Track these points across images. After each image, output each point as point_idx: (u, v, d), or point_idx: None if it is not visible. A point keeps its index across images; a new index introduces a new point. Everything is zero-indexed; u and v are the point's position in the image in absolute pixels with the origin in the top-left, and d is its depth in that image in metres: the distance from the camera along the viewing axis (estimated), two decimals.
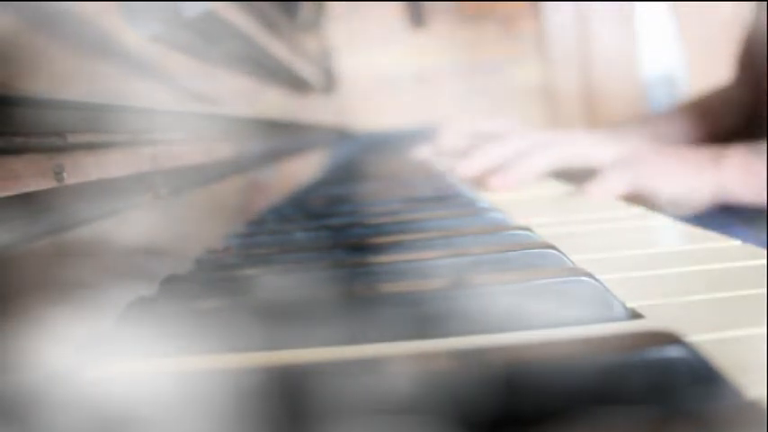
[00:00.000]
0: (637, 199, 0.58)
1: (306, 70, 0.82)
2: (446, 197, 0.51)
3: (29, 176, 0.21)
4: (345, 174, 0.82)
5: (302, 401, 0.15)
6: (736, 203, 0.62)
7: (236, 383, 0.16)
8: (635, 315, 0.23)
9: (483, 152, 0.67)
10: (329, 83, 1.20)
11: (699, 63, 1.69)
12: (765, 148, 0.62)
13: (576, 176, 0.63)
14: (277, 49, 0.61)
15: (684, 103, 0.92)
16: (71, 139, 0.24)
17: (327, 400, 0.15)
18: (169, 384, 0.16)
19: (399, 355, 0.17)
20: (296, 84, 0.81)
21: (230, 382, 0.16)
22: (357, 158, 1.10)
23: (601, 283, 0.23)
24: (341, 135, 1.29)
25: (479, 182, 0.65)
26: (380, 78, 1.86)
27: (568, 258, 0.28)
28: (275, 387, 0.16)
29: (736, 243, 0.32)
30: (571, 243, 0.34)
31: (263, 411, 0.15)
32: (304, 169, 0.78)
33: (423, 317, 0.22)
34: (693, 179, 0.61)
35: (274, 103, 0.68)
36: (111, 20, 0.30)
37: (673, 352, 0.16)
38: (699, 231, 0.36)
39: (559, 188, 0.61)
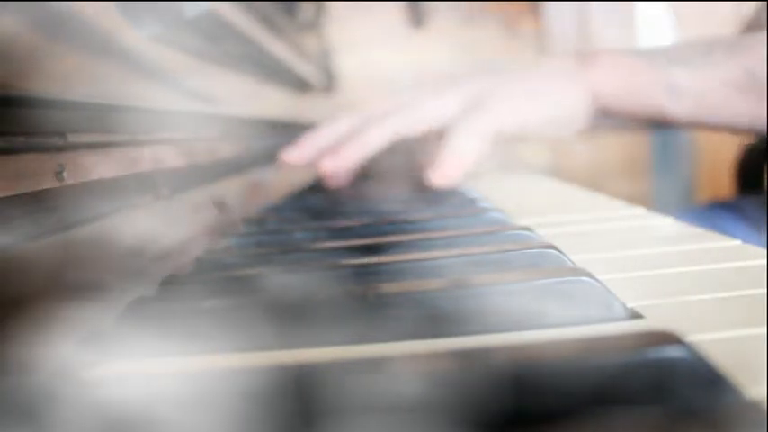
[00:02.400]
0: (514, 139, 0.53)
1: (306, 70, 0.82)
2: (446, 197, 0.51)
3: (29, 176, 0.21)
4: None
5: (303, 402, 0.15)
6: (616, 113, 0.54)
7: (237, 383, 0.16)
8: (635, 315, 0.23)
9: (313, 135, 0.58)
10: (329, 83, 1.20)
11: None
12: (645, 51, 0.54)
13: (573, 173, 0.60)
14: (277, 49, 0.61)
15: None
16: (71, 138, 0.24)
17: (328, 400, 0.15)
18: (169, 384, 0.16)
19: (399, 356, 0.17)
20: (296, 83, 0.81)
21: (231, 382, 0.16)
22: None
23: (601, 283, 0.23)
24: None
25: (313, 167, 0.58)
26: (380, 78, 1.86)
27: (568, 258, 0.28)
28: (276, 387, 0.16)
29: (736, 243, 0.32)
30: (571, 243, 0.34)
31: (264, 411, 0.15)
32: (304, 169, 0.78)
33: (423, 317, 0.22)
34: (557, 96, 0.53)
35: (274, 102, 0.68)
36: (111, 20, 0.30)
37: (673, 352, 0.16)
38: (699, 231, 0.36)
39: (557, 186, 0.61)
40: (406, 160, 0.71)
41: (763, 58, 0.49)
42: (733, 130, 0.52)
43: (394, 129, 0.54)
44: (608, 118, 0.56)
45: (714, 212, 0.75)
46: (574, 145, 1.78)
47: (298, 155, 0.58)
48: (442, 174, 0.50)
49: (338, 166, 0.54)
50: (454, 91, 0.55)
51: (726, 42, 0.53)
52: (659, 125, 0.56)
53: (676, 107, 0.51)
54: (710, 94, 0.50)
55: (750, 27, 0.75)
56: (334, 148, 0.55)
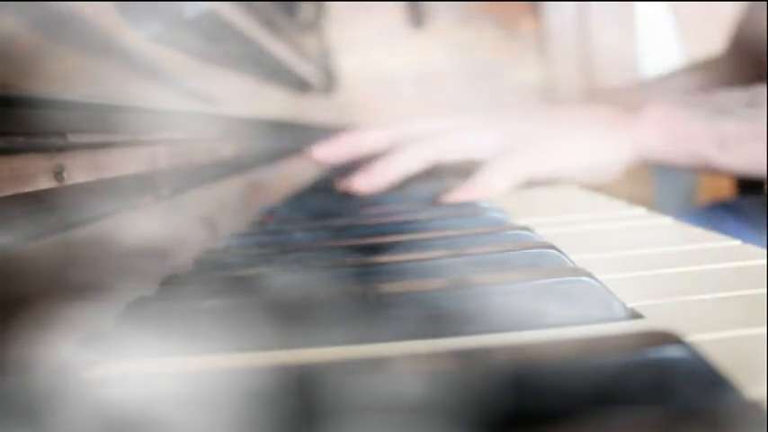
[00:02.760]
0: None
1: (306, 70, 0.82)
2: None
3: (29, 176, 0.21)
4: (345, 174, 0.82)
5: (304, 402, 0.15)
6: (658, 162, 0.55)
7: (237, 384, 0.16)
8: (635, 315, 0.23)
9: (350, 137, 0.59)
10: (329, 83, 1.20)
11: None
12: (689, 100, 0.54)
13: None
14: (277, 49, 0.61)
15: (682, 68, 0.85)
16: (71, 139, 0.24)
17: (329, 400, 0.15)
18: (169, 384, 0.16)
19: (399, 356, 0.17)
20: (296, 83, 0.81)
21: (231, 382, 0.16)
22: (357, 158, 1.10)
23: (601, 283, 0.23)
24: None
25: (338, 182, 0.58)
26: (380, 78, 1.85)
27: (568, 258, 0.28)
28: (276, 387, 0.16)
29: (736, 243, 0.32)
30: (571, 243, 0.34)
31: (264, 412, 0.15)
32: (304, 169, 0.78)
33: (423, 317, 0.22)
34: (597, 146, 0.54)
35: (274, 103, 0.68)
36: (111, 20, 0.30)
37: (673, 352, 0.16)
38: (699, 231, 0.36)
39: (557, 187, 0.60)
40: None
41: None
42: None
43: (429, 155, 0.55)
44: (652, 166, 0.57)
45: (714, 213, 0.75)
46: None
47: (328, 153, 0.58)
48: (463, 198, 0.50)
49: (370, 185, 0.55)
50: (495, 126, 0.55)
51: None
52: (705, 173, 0.57)
53: (723, 159, 0.52)
54: (757, 146, 0.51)
55: (742, 28, 0.75)
56: (368, 166, 0.56)
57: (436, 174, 0.66)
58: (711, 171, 0.54)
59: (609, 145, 0.54)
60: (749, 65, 0.73)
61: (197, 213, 0.38)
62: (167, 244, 0.32)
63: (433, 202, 0.50)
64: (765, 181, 0.55)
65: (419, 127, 0.58)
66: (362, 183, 0.55)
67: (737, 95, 0.54)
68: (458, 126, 0.56)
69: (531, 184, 0.55)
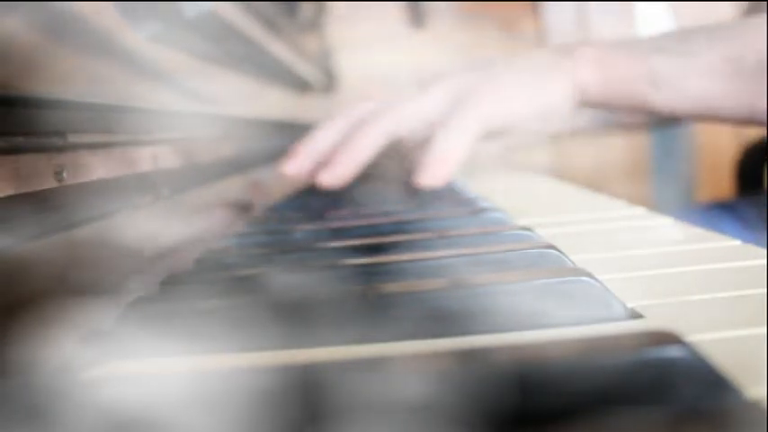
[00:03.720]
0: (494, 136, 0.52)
1: (306, 70, 0.82)
2: (446, 197, 0.51)
3: (29, 176, 0.21)
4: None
5: (304, 402, 0.15)
6: (597, 104, 0.53)
7: (238, 383, 0.16)
8: (635, 315, 0.23)
9: (306, 144, 0.57)
10: (329, 83, 1.20)
11: None
12: (627, 41, 0.53)
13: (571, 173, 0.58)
14: (277, 49, 0.61)
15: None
16: (71, 139, 0.24)
17: (329, 400, 0.15)
18: (169, 384, 0.16)
19: (399, 356, 0.17)
20: (296, 84, 0.81)
21: (231, 382, 0.16)
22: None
23: (601, 283, 0.23)
24: None
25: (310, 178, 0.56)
26: (380, 78, 1.85)
27: (568, 258, 0.28)
28: (277, 387, 0.16)
29: (736, 243, 0.32)
30: (571, 243, 0.34)
31: (265, 411, 0.15)
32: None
33: (423, 317, 0.22)
34: (543, 89, 0.52)
35: (274, 103, 0.68)
36: (111, 20, 0.30)
37: (673, 352, 0.16)
38: (699, 231, 0.36)
39: (557, 187, 0.60)
40: (402, 161, 0.70)
41: (752, 44, 0.49)
42: (724, 120, 0.52)
43: (382, 131, 0.53)
44: (592, 108, 0.55)
45: (714, 213, 0.75)
46: (575, 146, 1.79)
47: (295, 167, 0.57)
48: (431, 175, 0.49)
49: (335, 177, 0.53)
50: (439, 87, 0.54)
51: (706, 30, 0.52)
52: (644, 115, 0.56)
53: (658, 97, 0.51)
54: (690, 82, 0.50)
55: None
56: (328, 160, 0.54)
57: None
58: (649, 112, 0.53)
59: (552, 85, 0.52)
60: None
61: (197, 213, 0.38)
62: (167, 244, 0.32)
63: (409, 188, 0.50)
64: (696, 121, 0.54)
65: (367, 108, 0.56)
66: (328, 178, 0.53)
67: (677, 34, 0.53)
68: (404, 98, 0.55)
69: (487, 138, 0.53)
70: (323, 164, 0.54)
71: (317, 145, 0.56)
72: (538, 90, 0.52)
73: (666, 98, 0.51)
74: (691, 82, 0.50)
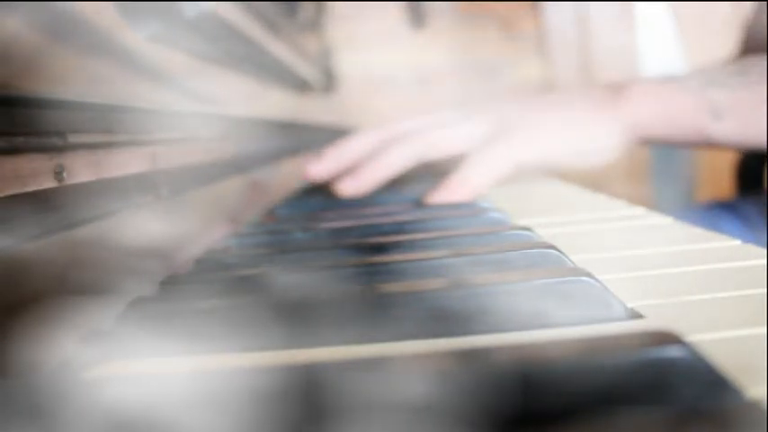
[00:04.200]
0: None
1: (306, 70, 0.82)
2: None
3: (29, 176, 0.21)
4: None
5: (304, 402, 0.15)
6: (653, 139, 0.53)
7: (238, 383, 0.16)
8: (635, 315, 0.23)
9: (337, 149, 0.57)
10: (329, 83, 1.20)
11: (699, 62, 1.69)
12: (676, 76, 0.53)
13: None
14: (277, 49, 0.61)
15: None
16: (71, 139, 0.24)
17: (329, 400, 0.15)
18: (169, 384, 0.16)
19: (399, 356, 0.17)
20: (296, 84, 0.81)
21: (231, 382, 0.16)
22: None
23: (601, 283, 0.23)
24: (341, 135, 1.29)
25: (332, 186, 0.56)
26: (380, 78, 1.86)
27: (568, 258, 0.28)
28: (277, 387, 0.16)
29: (736, 243, 0.32)
30: (571, 243, 0.34)
31: (265, 411, 0.15)
32: (304, 169, 0.78)
33: (423, 317, 0.22)
34: (585, 128, 0.52)
35: (274, 103, 0.68)
36: (111, 20, 0.30)
37: (673, 352, 0.16)
38: (699, 231, 0.36)
39: (557, 187, 0.60)
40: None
41: None
42: None
43: (412, 153, 0.54)
44: (650, 143, 0.55)
45: (714, 213, 0.75)
46: None
47: (321, 170, 0.57)
48: (444, 196, 0.49)
49: (357, 187, 0.54)
50: (476, 118, 0.54)
51: (759, 64, 0.52)
52: (703, 147, 0.55)
53: (719, 128, 0.51)
54: (751, 113, 0.50)
55: (750, 28, 0.75)
56: (354, 169, 0.54)
57: (435, 172, 0.66)
58: (709, 144, 0.53)
59: (595, 126, 0.52)
60: None
61: (197, 213, 0.38)
62: (167, 244, 0.32)
63: (419, 204, 0.50)
64: (766, 153, 0.54)
65: (403, 127, 0.57)
66: (349, 187, 0.54)
67: (727, 67, 0.53)
68: (441, 122, 0.55)
69: (522, 174, 0.54)
70: (347, 172, 0.55)
71: (345, 153, 0.56)
72: (578, 130, 0.52)
73: (727, 131, 0.51)
74: (751, 113, 0.50)
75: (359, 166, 0.55)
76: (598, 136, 0.52)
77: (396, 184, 0.58)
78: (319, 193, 0.59)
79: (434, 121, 0.56)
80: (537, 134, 0.51)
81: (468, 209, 0.44)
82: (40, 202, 0.22)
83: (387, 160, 0.54)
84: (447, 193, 0.49)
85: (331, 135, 1.15)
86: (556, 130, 0.52)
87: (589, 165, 0.53)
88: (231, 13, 0.44)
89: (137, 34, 0.33)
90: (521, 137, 0.51)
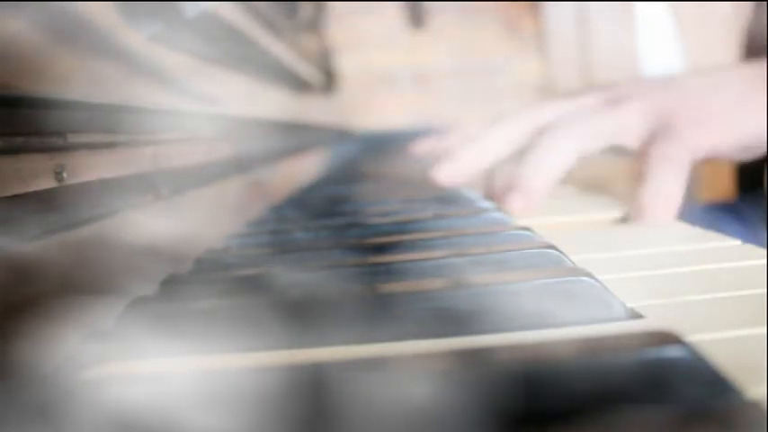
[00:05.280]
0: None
1: (306, 70, 0.82)
2: (446, 197, 0.51)
3: (29, 176, 0.21)
4: (345, 174, 0.82)
5: (304, 402, 0.15)
6: None
7: (238, 383, 0.16)
8: (635, 315, 0.23)
9: (468, 151, 0.48)
10: (329, 83, 1.20)
11: (699, 62, 1.69)
12: None
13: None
14: (277, 49, 0.62)
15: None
16: (71, 139, 0.24)
17: (330, 400, 0.15)
18: (169, 384, 0.16)
19: (400, 355, 0.17)
20: (296, 84, 0.81)
21: (231, 381, 0.16)
22: (357, 158, 1.10)
23: (601, 283, 0.23)
24: (341, 135, 1.29)
25: (494, 198, 0.48)
26: (380, 78, 1.86)
27: (568, 258, 0.28)
28: (277, 387, 0.16)
29: (736, 243, 0.32)
30: (571, 243, 0.34)
31: (265, 411, 0.15)
32: (304, 169, 0.78)
33: (422, 317, 0.22)
34: (754, 117, 0.43)
35: (274, 103, 0.68)
36: (111, 20, 0.30)
37: (673, 352, 0.16)
38: (699, 231, 0.36)
39: (556, 187, 0.60)
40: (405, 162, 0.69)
41: None
42: None
43: (573, 148, 0.44)
44: None
45: (714, 213, 0.75)
46: None
47: (456, 174, 0.49)
48: (653, 217, 0.41)
49: (528, 203, 0.44)
50: (637, 106, 0.45)
51: None
52: None
53: None
54: None
55: (750, 30, 0.75)
56: (513, 180, 0.45)
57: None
58: None
59: (758, 111, 0.44)
60: None
61: (197, 213, 0.38)
62: (167, 244, 0.32)
63: (419, 204, 0.45)
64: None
65: (544, 112, 0.47)
66: (519, 204, 0.44)
67: None
68: (588, 110, 0.46)
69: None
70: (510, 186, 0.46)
71: (485, 152, 0.48)
72: (746, 113, 0.44)
73: None
74: None
75: (514, 170, 0.46)
76: (761, 121, 0.44)
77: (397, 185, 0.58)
78: (319, 193, 0.59)
79: (580, 106, 0.47)
80: (703, 122, 0.43)
81: (468, 209, 0.44)
82: (40, 202, 0.22)
83: (550, 161, 0.44)
84: (653, 211, 0.41)
85: (331, 135, 1.15)
86: (725, 122, 0.44)
87: (751, 156, 0.47)
88: (231, 13, 0.44)
89: (137, 34, 0.33)
90: (693, 132, 0.43)
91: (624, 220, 0.43)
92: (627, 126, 0.45)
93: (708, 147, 0.43)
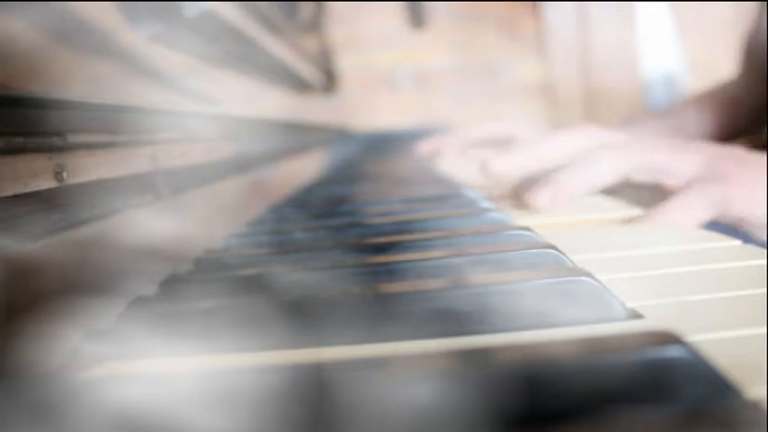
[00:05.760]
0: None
1: (306, 70, 0.82)
2: (446, 197, 0.51)
3: (29, 176, 0.21)
4: (345, 174, 0.82)
5: (304, 402, 0.15)
6: None
7: (238, 383, 0.16)
8: (635, 315, 0.23)
9: (526, 150, 0.49)
10: (329, 83, 1.20)
11: (699, 62, 1.69)
12: None
13: None
14: (277, 49, 0.61)
15: (697, 96, 0.80)
16: (71, 139, 0.24)
17: (330, 400, 0.15)
18: (169, 384, 0.16)
19: (399, 356, 0.17)
20: (296, 83, 0.81)
21: (231, 381, 0.16)
22: (357, 158, 1.10)
23: (601, 283, 0.23)
24: (341, 135, 1.29)
25: (514, 196, 0.49)
26: (380, 78, 1.86)
27: (568, 258, 0.28)
28: (277, 387, 0.16)
29: (736, 243, 0.32)
30: (571, 243, 0.34)
31: (265, 411, 0.15)
32: (304, 169, 0.78)
33: (422, 317, 0.22)
34: None
35: (274, 103, 0.68)
36: (111, 20, 0.30)
37: (673, 352, 0.16)
38: (699, 231, 0.36)
39: None
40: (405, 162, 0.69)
41: None
42: None
43: (623, 167, 0.46)
44: None
45: None
46: None
47: (513, 167, 0.49)
48: (657, 217, 0.43)
49: (554, 199, 0.45)
50: (692, 154, 0.47)
51: None
52: None
53: None
54: None
55: (751, 36, 0.75)
56: (552, 177, 0.46)
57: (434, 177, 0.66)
58: None
59: None
60: (761, 82, 0.71)
61: (197, 213, 0.38)
62: (167, 244, 0.32)
63: (420, 204, 0.46)
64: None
65: (605, 136, 0.49)
66: (543, 198, 0.45)
67: None
68: (657, 144, 0.48)
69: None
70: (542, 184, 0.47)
71: (540, 153, 0.49)
72: None
73: None
74: None
75: (553, 172, 0.47)
76: None
77: (398, 186, 0.58)
78: (319, 193, 0.59)
79: (643, 142, 0.49)
80: (750, 194, 0.45)
81: (468, 209, 0.44)
82: (40, 202, 0.22)
83: (596, 168, 0.45)
84: (666, 215, 0.43)
85: (331, 135, 1.15)
86: (765, 196, 0.46)
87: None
88: (231, 13, 0.44)
89: (137, 34, 0.33)
90: (737, 191, 0.45)
91: (628, 221, 0.43)
92: (678, 168, 0.46)
93: (740, 204, 0.45)
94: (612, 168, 0.45)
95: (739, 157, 0.48)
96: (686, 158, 0.47)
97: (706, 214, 0.43)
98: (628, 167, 0.46)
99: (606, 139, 0.49)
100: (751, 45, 0.76)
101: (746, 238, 0.33)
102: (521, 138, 0.54)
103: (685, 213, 0.42)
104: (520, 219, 0.42)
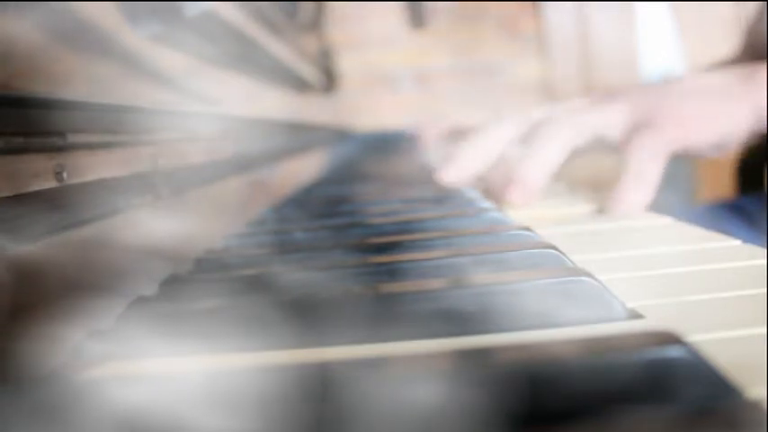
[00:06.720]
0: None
1: (306, 70, 0.82)
2: (446, 197, 0.51)
3: (29, 176, 0.21)
4: (345, 174, 0.82)
5: (304, 401, 0.15)
6: None
7: (238, 383, 0.16)
8: (635, 315, 0.23)
9: (469, 150, 0.53)
10: (329, 83, 1.20)
11: (698, 62, 1.69)
12: None
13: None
14: (277, 49, 0.61)
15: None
16: (71, 139, 0.24)
17: (330, 400, 0.15)
18: (169, 384, 0.16)
19: (399, 356, 0.17)
20: (296, 83, 0.81)
21: (231, 381, 0.16)
22: (357, 158, 1.10)
23: (601, 283, 0.23)
24: (341, 135, 1.29)
25: (492, 195, 0.51)
26: (380, 78, 1.86)
27: (568, 258, 0.28)
28: (277, 387, 0.16)
29: (736, 243, 0.32)
30: (571, 243, 0.34)
31: (265, 411, 0.15)
32: (304, 169, 0.78)
33: (422, 317, 0.22)
34: (725, 119, 0.49)
35: (275, 103, 0.68)
36: (111, 20, 0.30)
37: (673, 352, 0.16)
38: (699, 231, 0.36)
39: (556, 187, 0.60)
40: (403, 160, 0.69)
41: None
42: None
43: (569, 138, 0.49)
44: None
45: (714, 212, 0.75)
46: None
47: (459, 173, 0.54)
48: (627, 201, 0.45)
49: (526, 195, 0.48)
50: (620, 103, 0.50)
51: None
52: None
53: None
54: None
55: (751, 33, 0.75)
56: (512, 174, 0.49)
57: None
58: None
59: (733, 114, 0.49)
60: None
61: (197, 213, 0.38)
62: (167, 244, 0.32)
63: (420, 204, 0.48)
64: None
65: (538, 114, 0.52)
66: (517, 196, 0.49)
67: None
68: (577, 108, 0.51)
69: None
70: (507, 184, 0.50)
71: (485, 149, 0.53)
72: (719, 119, 0.49)
73: None
74: None
75: (511, 165, 0.50)
76: (733, 127, 0.49)
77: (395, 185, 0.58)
78: (319, 193, 0.59)
79: (572, 108, 0.52)
80: (684, 124, 0.48)
81: (468, 209, 0.44)
82: (40, 202, 0.22)
83: (545, 154, 0.48)
84: (629, 193, 0.45)
85: (331, 135, 1.15)
86: (700, 120, 0.49)
87: (722, 154, 0.51)
88: (231, 13, 0.44)
89: (137, 34, 0.33)
90: (671, 126, 0.47)
91: (600, 211, 0.47)
92: (611, 120, 0.49)
93: (683, 142, 0.48)
94: (560, 144, 0.49)
95: (665, 91, 0.50)
96: (613, 108, 0.50)
97: (658, 168, 0.46)
98: (572, 136, 0.49)
99: (539, 117, 0.52)
100: (752, 43, 0.76)
101: (746, 238, 0.33)
102: (466, 133, 0.58)
103: (641, 187, 0.45)
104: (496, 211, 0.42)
